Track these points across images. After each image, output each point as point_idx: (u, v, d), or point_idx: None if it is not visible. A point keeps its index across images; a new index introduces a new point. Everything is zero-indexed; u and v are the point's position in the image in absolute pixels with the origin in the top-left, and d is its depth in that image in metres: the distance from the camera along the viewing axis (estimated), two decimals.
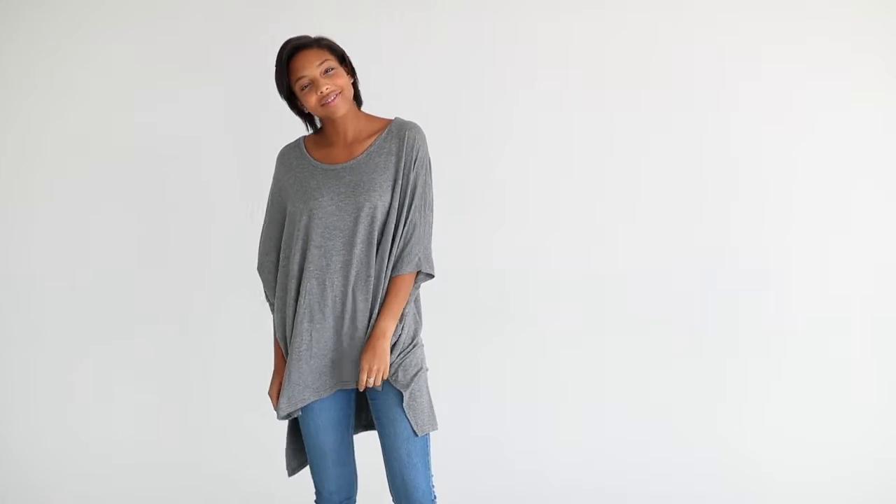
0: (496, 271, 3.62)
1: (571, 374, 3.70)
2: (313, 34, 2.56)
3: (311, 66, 2.48)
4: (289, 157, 2.64)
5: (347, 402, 2.62)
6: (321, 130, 2.65)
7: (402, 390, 2.51)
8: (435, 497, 2.61)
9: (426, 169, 2.58)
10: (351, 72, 2.58)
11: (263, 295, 2.72)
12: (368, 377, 2.49)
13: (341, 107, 2.52)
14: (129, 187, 3.72)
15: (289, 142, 2.70)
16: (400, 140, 2.55)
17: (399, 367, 2.53)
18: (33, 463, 3.78)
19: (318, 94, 2.49)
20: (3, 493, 3.75)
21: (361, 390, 2.54)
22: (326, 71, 2.50)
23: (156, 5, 3.68)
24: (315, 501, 2.70)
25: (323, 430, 2.57)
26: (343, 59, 2.56)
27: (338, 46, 2.57)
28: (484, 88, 3.60)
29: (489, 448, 3.65)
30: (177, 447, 3.76)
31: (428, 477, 2.58)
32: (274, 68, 2.55)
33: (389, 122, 2.61)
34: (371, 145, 2.56)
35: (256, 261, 2.72)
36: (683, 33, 3.60)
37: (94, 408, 3.78)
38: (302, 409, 2.57)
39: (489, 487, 3.55)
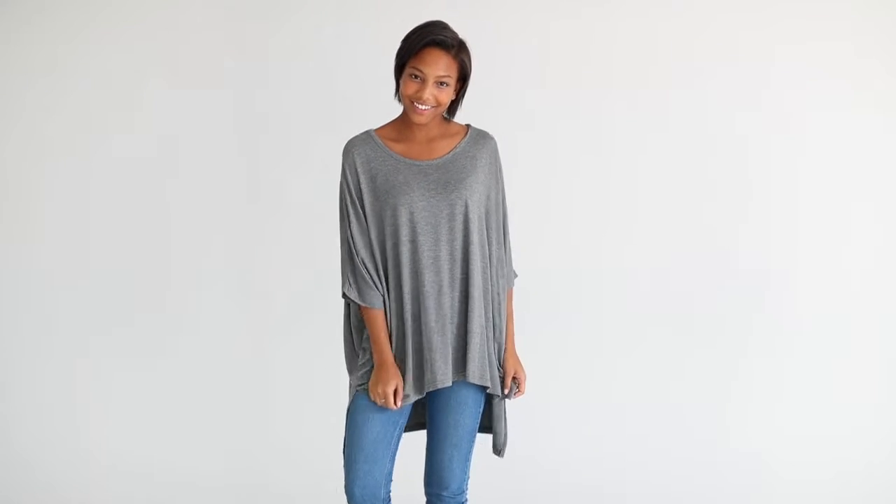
0: None
1: (578, 373, 3.71)
2: (460, 32, 2.49)
3: (434, 69, 2.42)
4: (364, 150, 2.53)
5: (408, 405, 2.57)
6: (399, 120, 2.58)
7: (503, 399, 2.61)
8: (465, 501, 2.64)
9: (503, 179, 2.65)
10: (461, 89, 2.53)
11: (341, 292, 2.61)
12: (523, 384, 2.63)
13: (426, 119, 2.48)
14: (128, 186, 3.73)
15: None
16: (485, 150, 2.56)
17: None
18: (36, 455, 3.81)
19: (418, 94, 2.43)
20: (6, 484, 3.77)
21: (512, 399, 2.62)
22: (442, 83, 2.44)
23: (157, 5, 3.69)
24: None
25: (371, 421, 2.52)
26: (464, 79, 2.50)
27: (469, 64, 2.49)
28: (484, 90, 3.60)
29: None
30: (177, 442, 3.78)
31: (464, 479, 2.62)
32: (407, 36, 2.46)
33: (466, 127, 2.60)
34: (455, 147, 2.54)
35: (340, 256, 2.62)
36: (687, 33, 3.61)
37: (95, 401, 3.80)
38: (364, 397, 2.53)
39: (495, 486, 3.54)
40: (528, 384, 2.63)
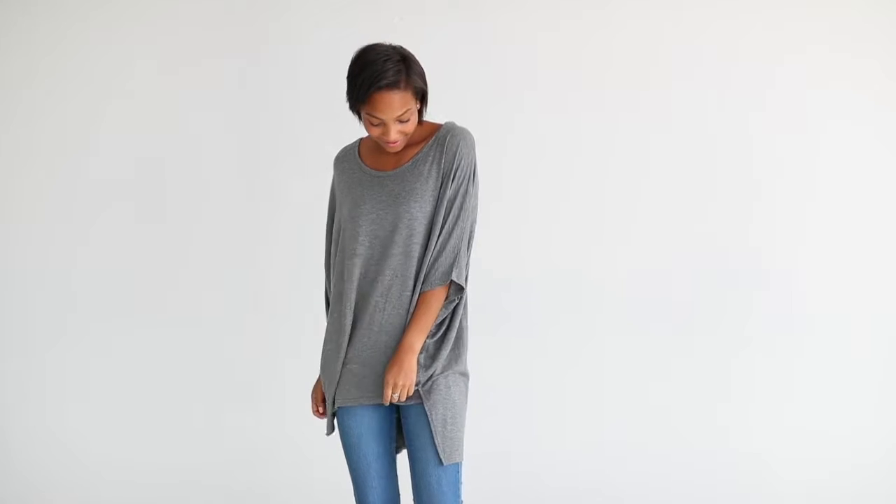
0: (498, 273, 3.62)
1: (575, 376, 3.71)
2: (394, 42, 2.37)
3: (390, 113, 2.31)
4: (342, 162, 2.54)
5: (389, 414, 2.50)
6: None
7: (434, 414, 2.38)
8: None
9: (469, 178, 2.42)
10: (423, 100, 2.42)
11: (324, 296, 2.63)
12: (393, 392, 2.34)
13: (400, 147, 2.41)
14: (127, 186, 3.74)
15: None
16: (447, 148, 2.40)
17: (439, 388, 2.40)
18: (29, 457, 3.82)
19: (383, 137, 2.36)
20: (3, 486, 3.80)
21: (387, 405, 2.37)
22: (403, 121, 2.33)
23: (157, 4, 3.68)
24: None
25: (365, 438, 2.46)
26: (423, 96, 2.40)
27: (423, 81, 2.37)
28: (484, 90, 3.61)
29: (491, 451, 3.66)
30: (175, 443, 3.79)
31: (456, 501, 2.44)
32: (350, 77, 2.34)
33: (438, 127, 2.46)
34: (418, 153, 2.43)
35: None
36: (686, 35, 3.63)
37: (93, 401, 3.81)
38: (343, 417, 2.47)
39: (492, 490, 3.55)
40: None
